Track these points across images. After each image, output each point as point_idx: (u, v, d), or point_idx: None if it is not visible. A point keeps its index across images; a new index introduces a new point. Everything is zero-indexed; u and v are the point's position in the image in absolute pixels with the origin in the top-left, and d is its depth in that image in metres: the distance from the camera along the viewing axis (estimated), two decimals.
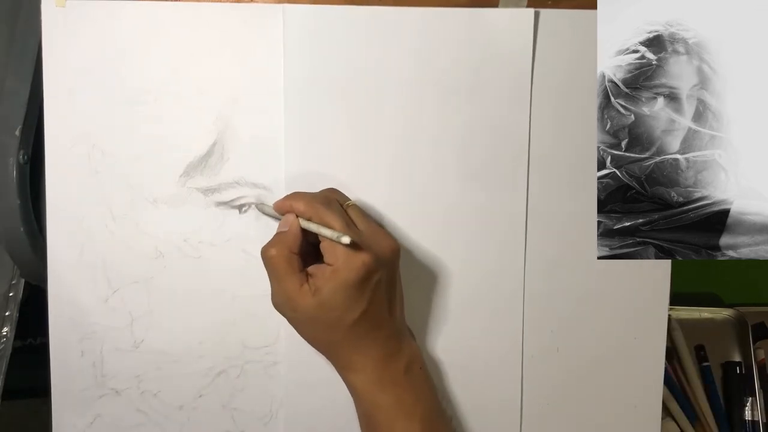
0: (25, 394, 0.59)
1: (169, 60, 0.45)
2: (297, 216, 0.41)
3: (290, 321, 0.41)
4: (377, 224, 0.43)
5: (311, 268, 0.41)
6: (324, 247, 0.40)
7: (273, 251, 0.40)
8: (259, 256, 0.41)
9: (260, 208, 0.46)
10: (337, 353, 0.42)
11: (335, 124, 0.46)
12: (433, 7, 0.46)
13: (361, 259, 0.39)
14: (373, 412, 0.42)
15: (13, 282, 0.52)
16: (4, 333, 0.52)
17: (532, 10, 0.47)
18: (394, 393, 0.42)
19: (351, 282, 0.39)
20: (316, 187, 0.45)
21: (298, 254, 0.40)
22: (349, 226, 0.40)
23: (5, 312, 0.52)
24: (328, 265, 0.40)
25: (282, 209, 0.43)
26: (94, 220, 0.46)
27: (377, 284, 0.40)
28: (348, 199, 0.44)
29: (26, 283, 0.52)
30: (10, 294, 0.52)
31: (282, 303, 0.40)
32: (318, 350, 0.43)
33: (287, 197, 0.43)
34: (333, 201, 0.42)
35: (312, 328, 0.41)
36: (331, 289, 0.39)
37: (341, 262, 0.39)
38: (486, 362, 0.50)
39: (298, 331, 0.42)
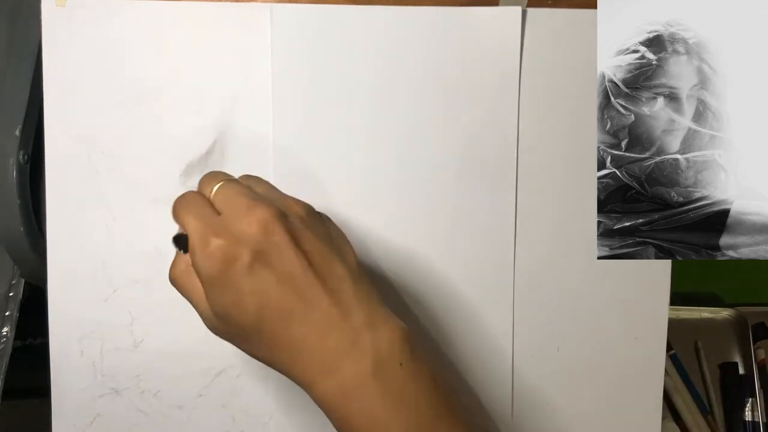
0: (25, 394, 0.58)
1: (169, 59, 0.45)
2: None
3: (225, 336, 0.35)
4: (250, 198, 0.33)
5: None
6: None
7: (174, 272, 0.35)
8: None
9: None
10: (278, 364, 0.33)
11: (324, 124, 0.46)
12: (428, 6, 0.46)
13: (216, 244, 0.31)
14: None
15: (13, 282, 0.52)
16: (4, 333, 0.52)
17: (519, 8, 0.46)
18: (363, 408, 0.31)
19: (208, 274, 0.32)
20: (305, 188, 0.45)
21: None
22: (200, 217, 0.33)
23: (5, 312, 0.52)
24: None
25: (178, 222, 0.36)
26: (94, 220, 0.46)
27: (250, 269, 0.31)
28: (227, 177, 0.36)
29: (26, 283, 0.52)
30: (10, 294, 0.52)
31: (207, 323, 0.35)
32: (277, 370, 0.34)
33: (174, 213, 0.36)
34: (188, 194, 0.35)
35: (236, 340, 0.34)
36: (199, 289, 0.33)
37: (195, 256, 0.32)
38: (476, 361, 0.49)
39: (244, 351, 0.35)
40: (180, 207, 0.34)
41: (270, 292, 0.32)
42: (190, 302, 0.35)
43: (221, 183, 0.35)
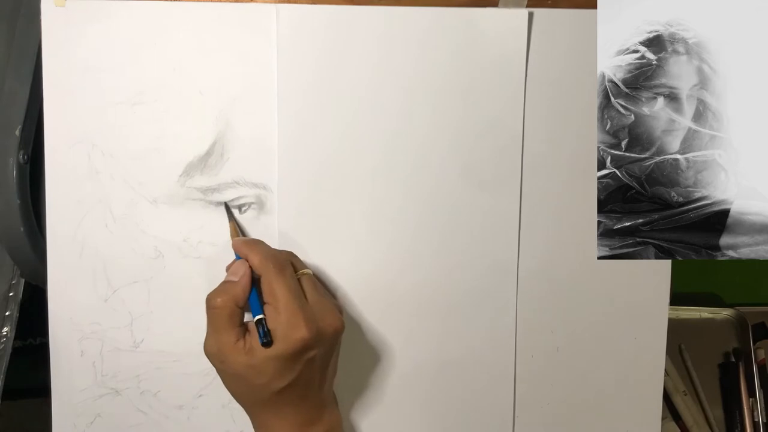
0: (25, 394, 0.59)
1: (169, 59, 0.45)
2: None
3: (217, 371, 0.41)
4: (328, 298, 0.43)
5: (251, 324, 0.40)
6: (268, 309, 0.40)
7: (219, 301, 0.40)
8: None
9: (228, 207, 0.46)
10: (257, 414, 0.42)
11: (328, 124, 0.46)
12: (430, 6, 0.46)
13: (301, 334, 0.39)
14: None
15: (13, 282, 0.52)
16: (4, 333, 0.51)
17: (526, 10, 0.46)
18: None
19: (285, 354, 0.39)
20: (310, 189, 0.46)
21: (242, 308, 0.40)
22: (297, 296, 0.40)
23: (5, 312, 0.52)
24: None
25: (238, 252, 0.42)
26: (94, 220, 0.46)
27: (311, 359, 0.40)
28: (304, 267, 0.44)
29: (26, 283, 0.52)
30: (10, 294, 0.52)
31: (213, 353, 0.40)
32: (240, 404, 0.42)
33: (247, 243, 0.42)
34: (287, 266, 0.41)
35: (237, 384, 0.40)
36: (264, 355, 0.38)
37: (280, 332, 0.39)
38: (479, 362, 0.49)
39: (223, 382, 0.41)
40: (275, 270, 0.40)
41: (309, 376, 0.41)
42: (213, 329, 0.40)
43: (306, 272, 0.43)
